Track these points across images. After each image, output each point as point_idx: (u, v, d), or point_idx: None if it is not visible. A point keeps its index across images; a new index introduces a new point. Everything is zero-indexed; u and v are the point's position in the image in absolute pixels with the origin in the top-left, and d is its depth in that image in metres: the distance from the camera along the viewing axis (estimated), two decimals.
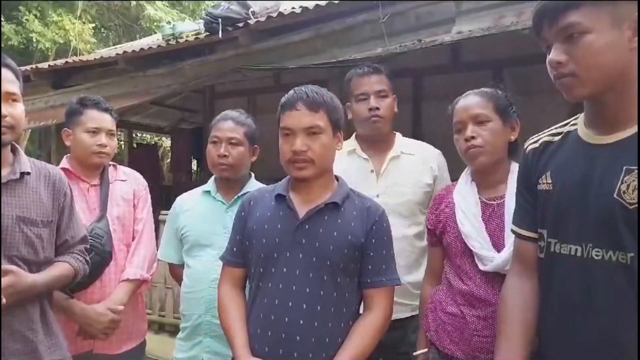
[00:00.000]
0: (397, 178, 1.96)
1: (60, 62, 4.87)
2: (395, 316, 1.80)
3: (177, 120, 8.69)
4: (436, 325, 1.63)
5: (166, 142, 12.22)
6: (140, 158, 8.32)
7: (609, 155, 1.06)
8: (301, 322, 1.35)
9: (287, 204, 1.45)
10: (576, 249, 1.09)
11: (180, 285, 2.02)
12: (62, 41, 10.27)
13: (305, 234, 1.40)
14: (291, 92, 1.46)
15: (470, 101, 1.60)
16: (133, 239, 2.09)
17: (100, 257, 1.87)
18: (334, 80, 3.35)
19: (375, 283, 1.43)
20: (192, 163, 9.22)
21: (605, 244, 1.04)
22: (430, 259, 1.78)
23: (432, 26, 2.63)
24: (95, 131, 1.99)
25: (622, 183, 1.01)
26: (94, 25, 11.64)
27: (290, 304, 1.36)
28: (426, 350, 1.68)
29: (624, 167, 1.02)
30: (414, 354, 1.72)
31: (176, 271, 2.08)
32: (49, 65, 4.97)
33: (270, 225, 1.44)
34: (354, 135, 2.09)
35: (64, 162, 2.04)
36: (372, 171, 1.97)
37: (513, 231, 1.32)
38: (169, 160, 11.02)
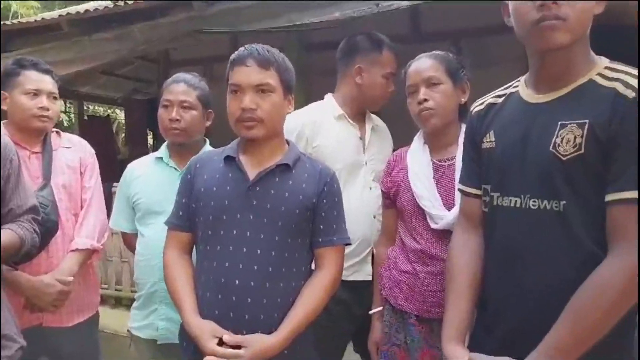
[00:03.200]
0: (380, 146, 1.99)
1: None
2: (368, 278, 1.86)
3: (131, 91, 8.36)
4: (390, 284, 1.67)
5: (120, 114, 11.81)
6: (91, 131, 7.99)
7: (547, 112, 1.13)
8: (252, 283, 1.34)
9: (237, 166, 1.42)
10: (516, 201, 1.16)
11: (134, 255, 1.98)
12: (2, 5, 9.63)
13: (256, 195, 1.39)
14: (242, 48, 1.41)
15: (423, 64, 1.62)
16: (82, 208, 2.01)
17: (44, 227, 1.77)
18: (292, 46, 3.30)
19: (326, 242, 1.44)
20: (148, 135, 8.96)
21: (541, 194, 1.11)
22: (384, 220, 1.81)
23: None
24: (35, 93, 1.88)
25: (557, 137, 1.08)
26: None
27: (240, 266, 1.35)
28: (381, 308, 1.73)
29: (559, 122, 1.09)
30: (370, 312, 1.76)
31: (130, 240, 2.03)
32: None
33: (219, 187, 1.41)
34: (330, 98, 2.01)
35: (2, 129, 1.92)
36: (360, 138, 1.96)
37: (459, 189, 1.38)
38: (123, 133, 10.67)
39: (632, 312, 1.08)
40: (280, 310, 1.36)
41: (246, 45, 1.41)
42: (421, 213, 1.60)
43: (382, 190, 1.79)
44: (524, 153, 1.15)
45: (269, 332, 1.33)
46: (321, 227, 1.43)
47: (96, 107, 12.24)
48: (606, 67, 1.11)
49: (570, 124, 1.07)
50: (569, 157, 1.07)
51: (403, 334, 1.63)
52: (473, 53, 3.92)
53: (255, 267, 1.35)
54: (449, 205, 1.56)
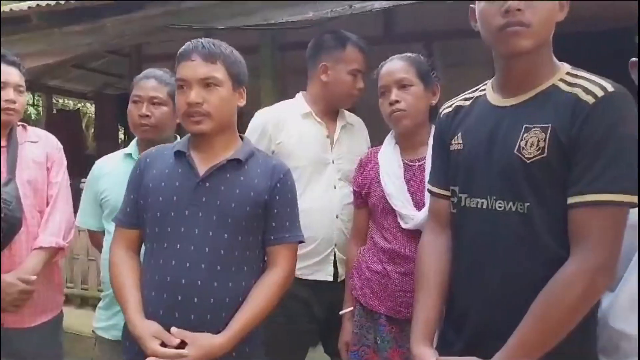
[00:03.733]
0: (349, 145, 1.97)
1: None
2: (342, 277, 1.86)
3: (102, 85, 8.22)
4: (361, 283, 1.68)
5: (91, 108, 11.54)
6: (59, 125, 7.78)
7: (512, 116, 1.16)
8: (199, 282, 1.31)
9: (187, 161, 1.39)
10: (482, 202, 1.18)
11: (111, 266, 1.93)
12: None
13: (205, 191, 1.36)
14: (187, 43, 1.40)
15: (394, 66, 1.64)
16: (47, 204, 1.96)
17: (8, 223, 1.75)
18: (265, 45, 3.29)
19: (278, 240, 1.42)
20: (119, 130, 8.79)
21: (506, 196, 1.13)
22: (356, 219, 1.82)
23: None
24: (1, 86, 1.83)
25: (521, 140, 1.11)
26: None
27: (187, 264, 1.32)
28: (352, 308, 1.73)
29: (524, 126, 1.12)
30: (341, 312, 1.77)
31: (96, 239, 1.98)
32: None
33: (167, 182, 1.39)
34: (300, 97, 2.01)
35: None
36: (327, 137, 1.95)
37: (429, 190, 1.40)
38: (93, 127, 10.43)
39: (594, 310, 1.12)
40: (228, 311, 1.33)
41: (192, 40, 1.39)
42: (392, 213, 1.62)
43: (353, 190, 1.80)
44: (490, 155, 1.17)
45: (216, 333, 1.31)
46: (273, 224, 1.42)
47: (66, 101, 11.94)
48: (568, 73, 1.14)
49: (534, 127, 1.10)
50: (532, 160, 1.09)
51: (373, 334, 1.64)
52: (446, 54, 3.98)
53: (203, 266, 1.32)
54: (419, 205, 1.58)
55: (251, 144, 1.51)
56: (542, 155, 1.08)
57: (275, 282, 1.39)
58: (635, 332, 1.19)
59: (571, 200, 1.06)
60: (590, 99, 1.05)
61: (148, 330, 1.29)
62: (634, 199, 1.03)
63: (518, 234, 1.12)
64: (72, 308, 2.09)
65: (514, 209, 1.12)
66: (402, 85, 1.61)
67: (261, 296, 1.36)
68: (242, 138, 1.51)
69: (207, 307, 1.32)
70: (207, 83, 1.35)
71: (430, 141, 1.63)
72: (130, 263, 1.44)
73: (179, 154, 1.41)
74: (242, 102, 1.47)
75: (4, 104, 1.82)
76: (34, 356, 1.92)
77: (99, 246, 1.97)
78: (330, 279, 1.86)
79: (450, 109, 1.35)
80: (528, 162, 1.10)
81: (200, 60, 1.35)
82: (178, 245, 1.34)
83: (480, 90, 1.31)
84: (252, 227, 1.39)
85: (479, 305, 1.19)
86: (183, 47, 1.40)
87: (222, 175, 1.38)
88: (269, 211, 1.41)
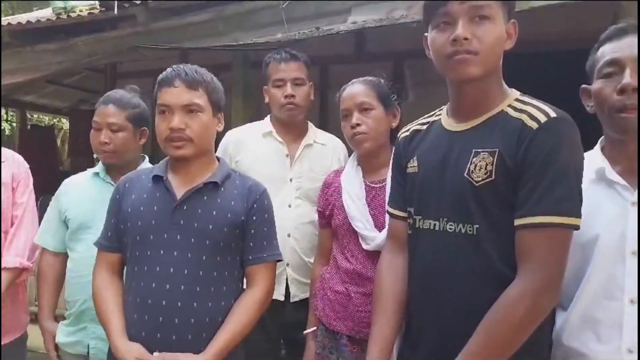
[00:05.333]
0: (311, 164, 2.00)
1: None
2: (302, 296, 1.89)
3: (77, 101, 8.13)
4: (323, 304, 1.71)
5: (66, 124, 11.39)
6: (33, 140, 7.67)
7: (464, 140, 1.19)
8: (179, 304, 1.34)
9: (164, 185, 1.43)
10: (435, 224, 1.21)
11: (38, 278, 1.93)
12: None
13: (183, 214, 1.39)
14: (169, 69, 1.43)
15: (355, 90, 1.69)
16: (12, 225, 1.94)
17: None
18: (237, 63, 3.34)
19: (257, 259, 1.45)
20: None
21: (456, 218, 1.17)
22: (320, 240, 1.85)
23: (330, 15, 2.70)
24: None
25: (471, 164, 1.14)
26: None
27: (167, 286, 1.35)
28: (315, 328, 1.76)
29: (473, 150, 1.15)
30: (304, 332, 1.79)
31: (46, 259, 1.92)
32: None
33: (146, 207, 1.42)
34: (267, 117, 2.09)
35: None
36: (287, 155, 1.99)
37: (387, 211, 1.43)
38: (68, 143, 10.27)
39: (545, 329, 1.16)
40: (209, 330, 1.36)
41: (174, 66, 1.43)
42: (354, 234, 1.65)
43: (317, 210, 1.83)
44: (442, 178, 1.20)
45: (198, 353, 1.33)
46: (251, 244, 1.45)
47: (41, 117, 11.75)
48: (516, 99, 1.18)
49: (483, 151, 1.14)
50: (481, 183, 1.12)
51: (335, 355, 1.65)
52: (416, 73, 4.08)
53: (183, 287, 1.35)
54: (380, 226, 1.61)
55: (227, 166, 1.54)
56: (490, 179, 1.11)
57: (255, 301, 1.42)
58: (588, 351, 1.23)
59: (517, 222, 1.09)
60: (534, 125, 1.09)
61: (130, 353, 1.31)
62: (576, 221, 1.06)
63: (467, 255, 1.15)
64: (35, 327, 2.06)
65: (463, 230, 1.15)
66: (363, 109, 1.65)
67: (241, 315, 1.39)
68: (218, 159, 1.54)
69: (188, 328, 1.34)
70: (190, 109, 1.39)
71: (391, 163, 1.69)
72: (113, 287, 1.46)
73: (156, 178, 1.44)
74: (221, 127, 1.51)
75: None
76: None
77: (44, 268, 1.92)
78: (282, 298, 1.89)
79: (407, 133, 1.39)
80: (477, 185, 1.13)
81: (183, 87, 1.39)
82: (158, 267, 1.37)
83: (436, 115, 1.34)
84: (230, 248, 1.42)
85: (432, 324, 1.22)
86: (165, 72, 1.43)
87: (199, 197, 1.41)
88: (247, 231, 1.44)
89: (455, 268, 1.17)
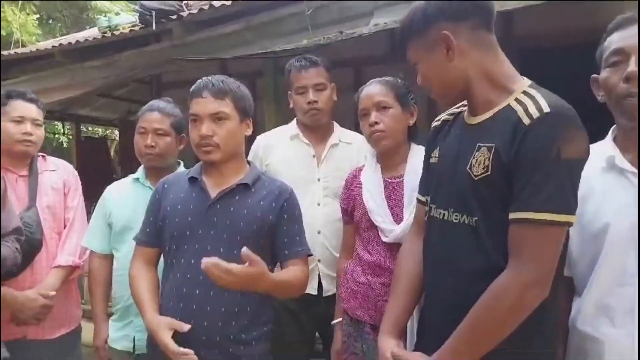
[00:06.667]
0: (337, 164, 2.07)
1: None
2: (334, 290, 1.96)
3: (126, 112, 8.53)
4: (347, 295, 1.78)
5: (118, 135, 11.97)
6: (88, 151, 8.14)
7: (473, 134, 1.23)
8: (211, 293, 1.45)
9: (199, 186, 1.55)
10: (444, 213, 1.26)
11: (89, 279, 2.09)
12: (4, 33, 9.86)
13: (216, 212, 1.51)
14: (199, 80, 1.55)
15: (373, 90, 1.75)
16: (65, 227, 2.13)
17: (29, 245, 1.90)
18: (268, 70, 3.48)
19: (293, 254, 1.56)
20: None
21: (460, 209, 1.21)
22: (344, 235, 1.92)
23: (354, 19, 2.77)
24: (19, 120, 2.01)
25: (473, 158, 1.18)
26: (38, 16, 11.21)
27: (201, 277, 1.44)
28: (341, 319, 1.83)
29: (477, 144, 1.18)
30: (332, 323, 1.87)
31: (94, 262, 2.06)
32: None
33: (183, 205, 1.54)
34: (294, 121, 2.18)
35: None
36: (313, 156, 2.08)
37: (417, 197, 1.47)
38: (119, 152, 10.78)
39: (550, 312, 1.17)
40: (237, 319, 1.47)
41: (204, 78, 1.55)
42: (374, 227, 1.72)
43: (341, 207, 1.90)
44: (454, 170, 1.24)
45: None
46: (285, 240, 1.55)
47: (94, 129, 12.40)
48: (523, 92, 1.16)
49: (483, 146, 1.16)
50: (479, 177, 1.16)
51: (360, 343, 1.73)
52: None
53: None
54: (398, 220, 1.68)
55: (257, 169, 1.65)
56: (487, 174, 1.14)
57: (296, 273, 1.53)
58: (601, 335, 1.25)
59: (510, 216, 1.11)
60: (527, 121, 1.09)
61: (161, 323, 1.45)
62: (567, 218, 1.07)
63: (469, 245, 1.19)
64: (85, 323, 2.23)
65: (466, 221, 1.19)
66: (381, 108, 1.71)
67: (287, 275, 1.52)
68: (249, 163, 1.66)
69: (219, 315, 1.47)
70: (217, 117, 1.51)
71: (409, 159, 1.75)
72: (148, 275, 1.60)
73: (192, 180, 1.58)
74: (249, 132, 1.62)
75: (22, 137, 2.01)
76: None
77: (93, 270, 2.06)
78: (315, 292, 1.97)
79: (438, 123, 1.42)
80: (476, 179, 1.16)
81: (211, 97, 1.51)
82: (192, 260, 1.49)
83: (464, 106, 1.35)
84: (259, 244, 1.52)
85: (436, 309, 1.28)
86: (195, 84, 1.56)
87: (231, 198, 1.53)
88: (279, 229, 1.55)
89: (458, 256, 1.21)
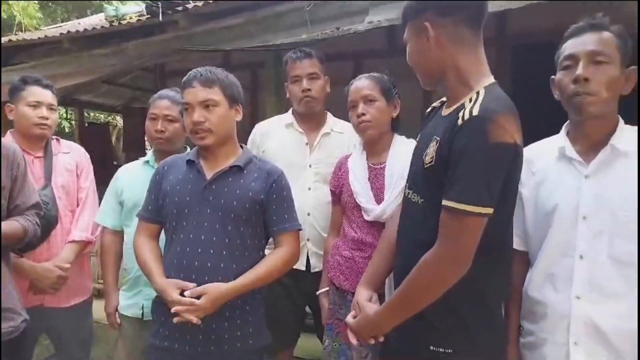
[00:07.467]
0: (329, 151, 2.22)
1: (4, 40, 4.89)
2: (321, 267, 2.13)
3: (129, 99, 8.66)
4: (334, 268, 1.97)
5: (120, 121, 12.09)
6: (90, 137, 8.28)
7: (436, 125, 1.37)
8: (209, 264, 1.61)
9: (196, 168, 1.71)
10: (408, 192, 1.44)
11: (100, 253, 2.26)
12: (5, 16, 9.95)
13: (212, 192, 1.67)
14: (190, 72, 1.70)
15: (361, 84, 1.93)
16: (78, 205, 2.32)
17: (46, 220, 2.05)
18: (269, 62, 3.65)
19: (281, 229, 1.72)
20: (146, 142, 9.20)
21: (416, 190, 1.39)
22: (332, 215, 2.11)
23: (351, 15, 2.93)
24: (36, 105, 2.17)
25: (428, 148, 1.33)
26: None
27: (199, 250, 1.63)
28: (327, 288, 2.04)
29: (433, 136, 1.33)
30: (317, 292, 2.07)
31: (106, 237, 2.23)
32: None
33: (181, 186, 1.70)
34: (290, 110, 2.34)
35: (8, 136, 2.22)
36: (306, 144, 2.24)
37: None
38: (122, 139, 10.91)
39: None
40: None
41: (194, 69, 1.70)
42: (358, 207, 1.91)
43: (330, 190, 2.09)
44: (418, 157, 1.40)
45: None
46: (274, 217, 1.72)
47: (97, 115, 12.53)
48: (477, 91, 1.26)
49: (435, 138, 1.31)
50: (427, 165, 1.31)
51: (344, 310, 1.91)
52: None
53: (212, 251, 1.63)
54: (379, 201, 1.86)
55: (249, 152, 1.81)
56: (432, 164, 1.29)
57: (280, 256, 1.70)
58: (546, 299, 1.46)
59: (442, 202, 1.24)
60: (460, 121, 1.21)
61: (169, 283, 1.61)
62: (480, 209, 1.18)
63: (417, 221, 1.37)
64: (99, 300, 2.40)
65: (418, 202, 1.37)
66: (368, 101, 1.89)
67: (266, 264, 1.68)
68: (242, 147, 1.81)
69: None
70: (207, 105, 1.65)
71: (392, 148, 1.93)
72: (151, 245, 1.76)
73: (190, 162, 1.73)
74: (239, 117, 1.76)
75: (39, 121, 2.18)
76: (68, 330, 2.28)
77: (105, 244, 2.24)
78: (303, 268, 2.16)
79: (429, 110, 1.55)
80: (425, 167, 1.32)
81: (200, 86, 1.65)
82: (191, 235, 1.65)
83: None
84: (251, 221, 1.69)
85: (396, 271, 1.47)
86: (186, 76, 1.70)
87: (225, 179, 1.69)
88: (269, 207, 1.70)
89: (411, 230, 1.40)
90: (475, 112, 1.19)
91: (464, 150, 1.19)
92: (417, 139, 1.52)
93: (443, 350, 1.32)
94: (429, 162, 1.31)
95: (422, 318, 1.31)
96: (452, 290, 1.26)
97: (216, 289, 1.58)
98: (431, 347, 1.32)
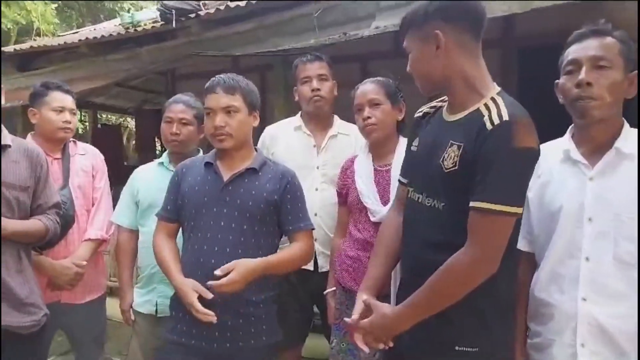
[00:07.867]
0: (335, 153, 2.28)
1: (25, 46, 5.03)
2: (329, 267, 2.19)
3: (141, 102, 8.77)
4: (341, 268, 2.03)
5: (132, 122, 12.26)
6: (102, 138, 8.41)
7: (447, 131, 1.39)
8: (225, 261, 1.66)
9: (214, 170, 1.78)
10: (419, 197, 1.46)
11: (116, 251, 2.34)
12: (24, 22, 10.18)
13: (228, 193, 1.74)
14: (212, 78, 1.78)
15: (367, 88, 1.98)
16: (93, 205, 2.39)
17: (64, 220, 2.13)
18: (278, 66, 3.73)
19: (296, 228, 1.79)
20: (156, 143, 9.34)
21: (431, 195, 1.40)
22: (339, 215, 2.16)
23: (357, 20, 2.99)
24: (60, 110, 2.27)
25: (445, 153, 1.35)
26: (56, 5, 11.53)
27: (216, 248, 1.70)
28: (334, 288, 2.09)
29: (449, 141, 1.35)
30: (325, 292, 2.12)
31: (122, 236, 2.30)
32: (14, 49, 5.11)
33: (200, 187, 1.78)
34: (299, 114, 2.41)
35: (29, 139, 2.29)
36: (314, 146, 2.30)
37: (398, 179, 1.65)
38: (134, 140, 11.08)
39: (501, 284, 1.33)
40: (248, 284, 1.67)
41: (217, 75, 1.78)
42: (364, 208, 1.96)
43: (337, 191, 2.14)
44: (429, 162, 1.40)
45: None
46: (289, 217, 1.79)
47: (109, 116, 12.72)
48: (491, 98, 1.31)
49: (454, 144, 1.32)
50: (448, 170, 1.33)
51: (351, 310, 1.93)
52: None
53: (228, 249, 1.70)
54: (385, 202, 1.91)
55: (263, 155, 1.88)
56: (455, 168, 1.31)
57: (299, 249, 1.78)
58: (552, 300, 1.47)
59: (470, 204, 1.26)
60: (489, 126, 1.24)
61: (188, 285, 1.67)
62: (514, 209, 1.23)
63: (436, 225, 1.38)
64: (113, 298, 2.46)
65: (435, 205, 1.38)
66: (373, 104, 1.94)
67: (288, 251, 1.76)
68: (256, 150, 1.88)
69: None
70: (228, 110, 1.74)
71: (397, 150, 1.98)
72: (170, 245, 1.83)
73: (208, 165, 1.81)
74: (256, 123, 1.85)
75: (63, 125, 2.27)
76: (83, 325, 2.35)
77: (121, 243, 2.31)
78: (311, 268, 2.21)
79: (419, 114, 1.57)
80: (446, 172, 1.33)
81: (223, 92, 1.74)
82: (208, 234, 1.72)
83: (444, 102, 1.49)
84: (266, 221, 1.76)
85: (406, 276, 1.51)
86: (209, 82, 1.78)
87: (241, 180, 1.76)
88: (283, 207, 1.77)
89: (427, 233, 1.41)
90: (505, 117, 1.23)
91: (496, 153, 1.22)
92: (413, 144, 1.54)
93: (470, 349, 1.34)
94: (451, 167, 1.33)
95: (444, 318, 1.33)
96: (473, 290, 1.28)
97: (244, 264, 1.64)
98: (457, 347, 1.34)
